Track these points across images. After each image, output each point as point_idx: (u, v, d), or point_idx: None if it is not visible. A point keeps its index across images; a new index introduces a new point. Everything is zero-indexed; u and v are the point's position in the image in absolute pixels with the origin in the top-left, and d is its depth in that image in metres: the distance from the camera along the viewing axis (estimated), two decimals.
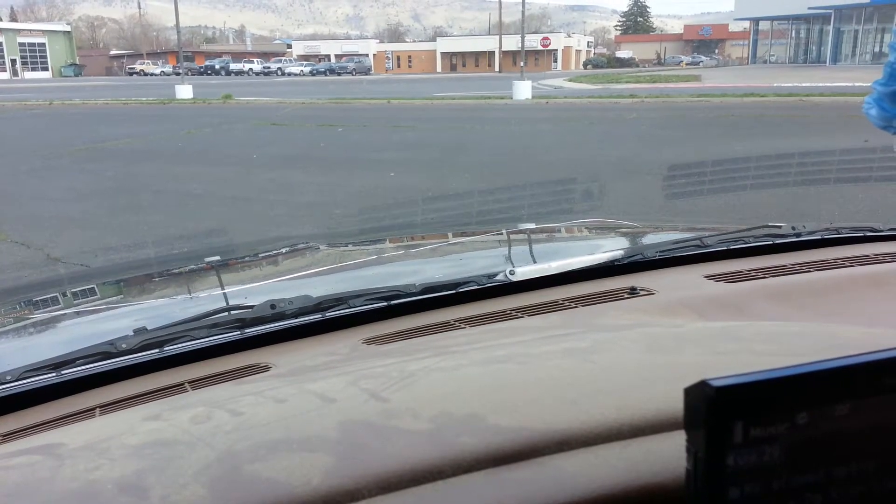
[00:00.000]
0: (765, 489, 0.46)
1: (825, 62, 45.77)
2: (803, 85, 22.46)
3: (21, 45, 67.98)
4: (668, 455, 0.56)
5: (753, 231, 1.52)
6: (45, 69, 69.34)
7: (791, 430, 0.46)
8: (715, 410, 0.44)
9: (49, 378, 1.02)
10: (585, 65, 73.90)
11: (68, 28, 77.80)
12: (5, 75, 64.47)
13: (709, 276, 1.31)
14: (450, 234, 2.25)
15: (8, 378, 1.01)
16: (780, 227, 1.54)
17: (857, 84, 21.20)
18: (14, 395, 0.99)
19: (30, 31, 71.33)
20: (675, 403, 0.62)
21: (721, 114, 15.11)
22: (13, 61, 66.96)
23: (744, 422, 0.45)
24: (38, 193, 8.30)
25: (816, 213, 5.75)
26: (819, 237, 1.52)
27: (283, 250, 2.16)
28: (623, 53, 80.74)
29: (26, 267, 5.19)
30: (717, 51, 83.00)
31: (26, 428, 0.89)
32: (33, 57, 69.19)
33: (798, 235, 1.51)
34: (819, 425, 0.46)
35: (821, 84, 22.29)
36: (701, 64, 66.62)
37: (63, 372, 1.03)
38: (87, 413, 0.92)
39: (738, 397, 0.44)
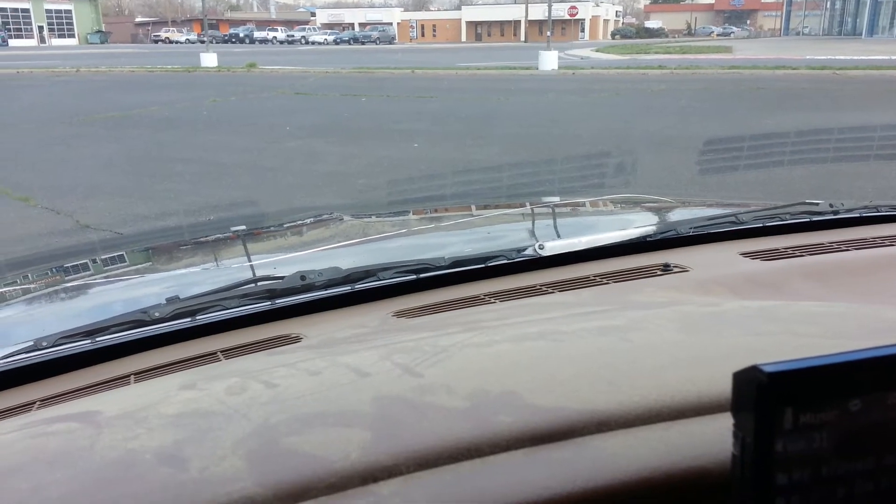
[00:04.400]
0: (814, 476, 0.45)
1: (861, 34, 44.50)
2: (837, 58, 21.85)
3: (48, 12, 68.29)
4: (711, 439, 0.55)
5: (790, 208, 1.49)
6: (72, 36, 69.69)
7: (842, 416, 0.45)
8: (766, 396, 0.43)
9: (84, 345, 1.03)
10: (613, 35, 72.60)
11: None
12: (33, 42, 64.97)
13: (744, 254, 1.28)
14: (473, 207, 2.24)
15: (44, 344, 1.02)
16: (817, 204, 1.51)
17: (894, 57, 20.62)
18: (50, 360, 1.01)
19: None
20: (718, 386, 0.61)
21: (752, 87, 14.80)
22: (40, 28, 67.36)
23: (794, 408, 0.44)
24: (67, 161, 8.40)
25: (854, 191, 5.62)
26: (857, 215, 1.49)
27: (309, 221, 2.16)
28: (652, 23, 79.14)
29: (57, 234, 5.27)
30: (749, 21, 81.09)
31: (63, 394, 0.90)
32: (60, 24, 69.52)
33: (836, 213, 1.48)
34: (871, 412, 0.45)
35: (856, 57, 21.69)
36: (732, 35, 65.24)
37: (97, 339, 1.04)
38: (121, 380, 0.93)
39: (791, 383, 0.43)
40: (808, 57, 22.71)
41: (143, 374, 0.93)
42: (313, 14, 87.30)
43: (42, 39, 66.81)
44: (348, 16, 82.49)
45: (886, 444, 0.46)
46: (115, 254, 2.02)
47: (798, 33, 56.51)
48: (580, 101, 13.63)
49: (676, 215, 1.83)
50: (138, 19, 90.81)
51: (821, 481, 0.45)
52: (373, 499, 0.51)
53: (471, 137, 9.38)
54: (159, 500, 0.51)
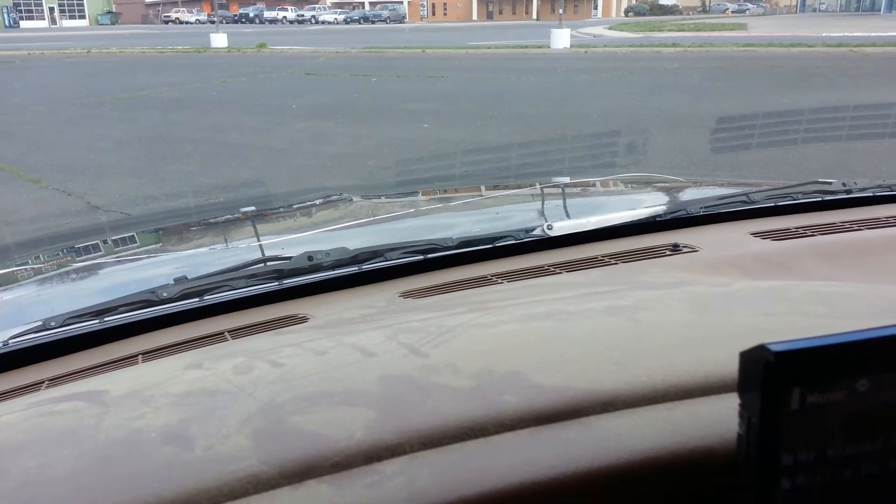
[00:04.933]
0: (820, 457, 0.45)
1: (879, 10, 43.72)
2: (854, 35, 21.49)
3: None
4: (717, 419, 0.54)
5: (802, 187, 1.47)
6: (83, 17, 69.63)
7: (850, 397, 0.44)
8: (772, 376, 0.42)
9: (92, 325, 1.04)
10: (626, 12, 71.62)
11: None
12: (44, 24, 65.00)
13: (755, 234, 1.27)
14: (482, 188, 2.23)
15: (52, 324, 1.03)
16: (829, 183, 1.49)
17: None
18: (58, 340, 1.01)
19: None
20: (725, 366, 0.60)
21: (767, 65, 14.60)
22: (51, 9, 67.34)
23: (801, 388, 0.43)
24: (78, 141, 8.42)
25: (868, 170, 5.55)
26: (870, 194, 1.47)
27: (318, 201, 2.16)
28: (666, 0, 78.07)
29: (68, 214, 5.30)
30: None
31: (71, 373, 0.91)
32: (70, 5, 69.44)
33: (848, 192, 1.46)
34: (879, 393, 0.45)
35: (873, 34, 21.31)
36: (747, 12, 64.28)
37: (105, 319, 1.05)
38: (129, 360, 0.93)
39: (798, 363, 0.43)
40: (824, 34, 22.33)
41: (150, 354, 0.94)
42: None
43: (53, 21, 66.78)
44: None
45: (894, 426, 0.45)
46: (125, 234, 2.04)
47: (814, 10, 55.65)
48: (592, 79, 13.50)
49: (687, 195, 1.81)
50: (149, 0, 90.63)
51: (827, 462, 0.45)
52: (377, 478, 0.51)
53: (481, 117, 9.32)
54: (164, 478, 0.52)
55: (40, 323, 1.03)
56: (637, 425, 0.55)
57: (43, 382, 0.89)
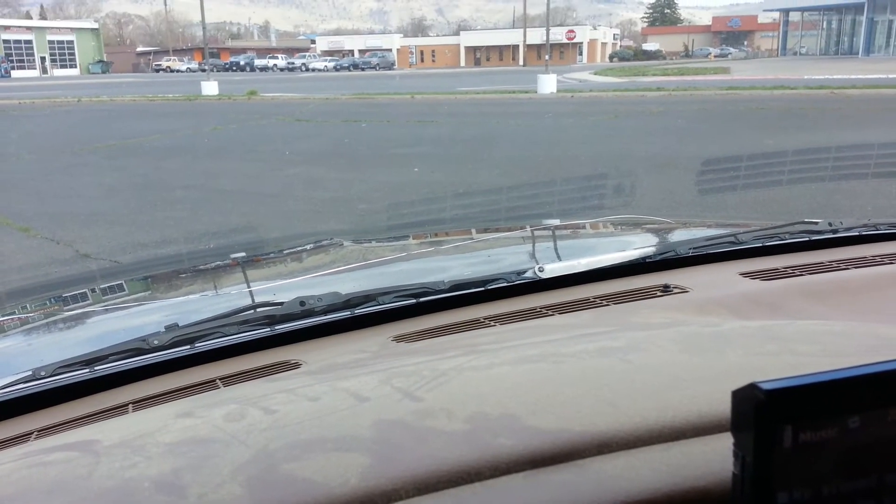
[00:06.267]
0: (814, 495, 0.45)
1: (857, 53, 44.86)
2: (835, 77, 21.99)
3: (50, 42, 69.11)
4: (712, 459, 0.54)
5: (789, 227, 1.49)
6: (74, 66, 70.44)
7: (842, 434, 0.44)
8: (765, 414, 0.43)
9: (82, 374, 1.03)
10: (611, 58, 73.20)
11: (96, 25, 78.96)
12: (35, 73, 65.63)
13: (744, 274, 1.28)
14: (473, 231, 2.24)
15: (42, 374, 1.02)
16: (816, 223, 1.51)
17: (891, 76, 20.75)
18: (48, 390, 1.00)
19: (58, 29, 72.44)
20: (718, 406, 0.60)
21: (750, 107, 14.89)
22: (43, 59, 68.12)
23: (794, 426, 0.44)
24: (68, 189, 8.43)
25: (853, 209, 5.62)
26: (857, 233, 1.49)
27: (309, 247, 2.17)
28: (650, 46, 79.72)
29: (56, 263, 5.27)
30: (746, 43, 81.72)
31: (61, 423, 0.90)
32: (62, 54, 70.31)
33: (835, 232, 1.48)
34: (871, 430, 0.45)
35: (853, 76, 21.83)
36: (730, 56, 65.82)
37: (96, 368, 1.04)
38: (120, 409, 0.93)
39: (789, 401, 0.43)
40: (805, 77, 22.84)
41: (141, 403, 0.93)
42: (313, 41, 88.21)
43: (44, 70, 67.50)
44: (348, 42, 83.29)
45: (887, 462, 0.45)
46: (114, 283, 2.03)
47: (795, 53, 56.94)
48: (579, 123, 13.70)
49: (676, 236, 1.83)
50: (139, 49, 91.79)
51: (822, 500, 0.45)
52: None
53: (471, 161, 9.42)
54: None
55: (30, 373, 1.02)
56: (633, 467, 0.55)
57: (32, 433, 0.88)
